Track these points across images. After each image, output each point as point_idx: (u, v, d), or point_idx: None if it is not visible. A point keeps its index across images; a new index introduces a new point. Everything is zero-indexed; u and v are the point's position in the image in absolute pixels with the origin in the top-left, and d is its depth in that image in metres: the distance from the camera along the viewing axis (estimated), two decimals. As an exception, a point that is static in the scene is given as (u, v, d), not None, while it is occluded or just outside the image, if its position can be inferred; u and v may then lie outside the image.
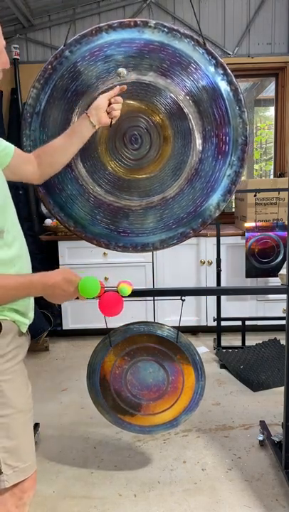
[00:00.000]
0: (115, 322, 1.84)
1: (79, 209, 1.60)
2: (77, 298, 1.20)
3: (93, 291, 1.17)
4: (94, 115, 1.35)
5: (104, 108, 1.36)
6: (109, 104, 1.38)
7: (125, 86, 1.42)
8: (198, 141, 1.52)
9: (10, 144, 1.29)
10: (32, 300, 1.28)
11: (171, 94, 1.50)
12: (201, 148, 1.53)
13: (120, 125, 1.54)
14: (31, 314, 1.27)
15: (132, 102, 1.52)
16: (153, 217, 1.60)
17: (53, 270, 1.16)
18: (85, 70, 1.49)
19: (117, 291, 1.34)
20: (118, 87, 1.41)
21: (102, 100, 1.36)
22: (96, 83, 1.50)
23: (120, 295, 1.32)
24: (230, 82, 1.49)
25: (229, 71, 1.50)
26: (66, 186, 1.57)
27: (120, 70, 1.40)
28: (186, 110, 1.50)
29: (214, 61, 1.49)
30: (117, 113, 1.39)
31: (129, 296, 1.84)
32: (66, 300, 1.17)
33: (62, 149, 1.36)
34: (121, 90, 1.40)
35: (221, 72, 1.49)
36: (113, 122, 1.40)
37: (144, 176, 1.57)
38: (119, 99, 1.39)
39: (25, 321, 1.22)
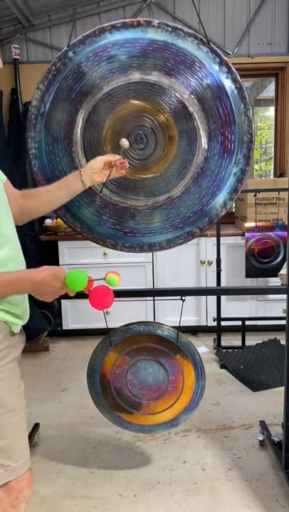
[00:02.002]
0: (115, 322, 1.84)
1: (85, 210, 1.60)
2: (66, 295, 1.19)
3: (81, 284, 1.15)
4: (87, 174, 1.37)
5: (98, 170, 1.38)
6: (111, 166, 1.41)
7: (127, 164, 1.46)
8: (204, 140, 1.52)
9: (2, 173, 1.29)
10: (26, 300, 1.28)
11: (176, 93, 1.50)
12: (206, 146, 1.53)
13: (125, 125, 1.54)
14: (26, 315, 1.27)
15: (136, 102, 1.52)
16: (159, 216, 1.60)
17: (40, 267, 1.15)
18: (89, 71, 1.49)
19: (106, 281, 1.32)
20: (119, 156, 1.42)
21: (97, 162, 1.39)
22: (100, 84, 1.50)
23: (110, 286, 1.31)
24: (234, 80, 1.49)
25: (233, 69, 1.50)
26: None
27: (123, 140, 1.43)
28: (190, 109, 1.50)
29: (218, 59, 1.48)
30: (114, 174, 1.44)
31: (129, 296, 1.84)
32: (55, 296, 1.15)
33: (47, 197, 1.37)
34: (120, 161, 1.42)
35: (226, 70, 1.49)
36: (107, 179, 1.43)
37: (149, 175, 1.57)
38: (124, 165, 1.45)
39: (17, 322, 1.22)
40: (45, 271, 1.13)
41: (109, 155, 1.43)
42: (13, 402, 1.17)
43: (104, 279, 1.30)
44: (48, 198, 1.37)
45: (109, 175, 1.42)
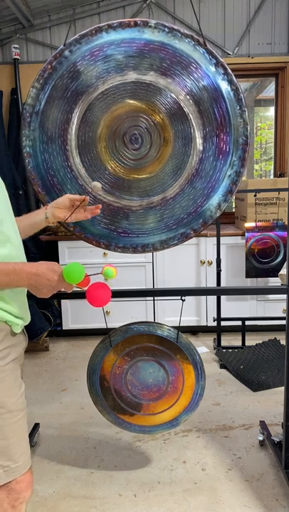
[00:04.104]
0: (115, 322, 1.84)
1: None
2: (63, 291, 1.18)
3: (78, 276, 1.14)
4: (50, 208, 1.40)
5: (62, 206, 1.40)
6: (76, 206, 1.41)
7: (98, 210, 1.46)
8: (199, 141, 1.52)
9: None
10: (24, 299, 1.28)
11: (172, 94, 1.50)
12: (201, 148, 1.53)
13: (120, 125, 1.54)
14: (26, 315, 1.27)
15: (132, 102, 1.52)
16: (153, 217, 1.60)
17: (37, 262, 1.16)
18: (85, 70, 1.49)
19: (102, 274, 1.33)
20: (86, 197, 1.42)
21: (63, 199, 1.41)
22: (96, 83, 1.50)
23: (106, 283, 1.30)
24: (230, 82, 1.49)
25: (230, 71, 1.50)
26: (65, 186, 1.57)
27: (94, 183, 1.45)
28: (186, 110, 1.50)
29: (215, 61, 1.49)
30: (79, 216, 1.44)
31: (129, 296, 1.85)
32: (52, 292, 1.15)
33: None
34: (85, 201, 1.41)
35: (222, 71, 1.49)
36: (68, 220, 1.43)
37: (144, 175, 1.57)
38: (95, 211, 1.46)
39: (18, 322, 1.21)
40: (42, 264, 1.14)
41: (76, 195, 1.43)
42: (11, 403, 1.16)
43: (101, 272, 1.31)
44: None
45: (69, 216, 1.41)
